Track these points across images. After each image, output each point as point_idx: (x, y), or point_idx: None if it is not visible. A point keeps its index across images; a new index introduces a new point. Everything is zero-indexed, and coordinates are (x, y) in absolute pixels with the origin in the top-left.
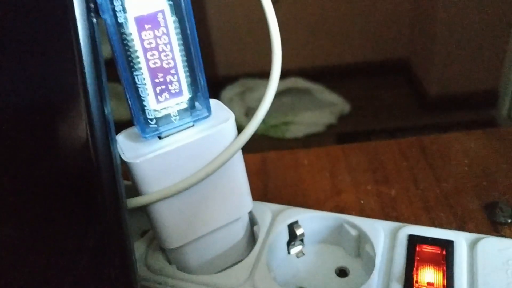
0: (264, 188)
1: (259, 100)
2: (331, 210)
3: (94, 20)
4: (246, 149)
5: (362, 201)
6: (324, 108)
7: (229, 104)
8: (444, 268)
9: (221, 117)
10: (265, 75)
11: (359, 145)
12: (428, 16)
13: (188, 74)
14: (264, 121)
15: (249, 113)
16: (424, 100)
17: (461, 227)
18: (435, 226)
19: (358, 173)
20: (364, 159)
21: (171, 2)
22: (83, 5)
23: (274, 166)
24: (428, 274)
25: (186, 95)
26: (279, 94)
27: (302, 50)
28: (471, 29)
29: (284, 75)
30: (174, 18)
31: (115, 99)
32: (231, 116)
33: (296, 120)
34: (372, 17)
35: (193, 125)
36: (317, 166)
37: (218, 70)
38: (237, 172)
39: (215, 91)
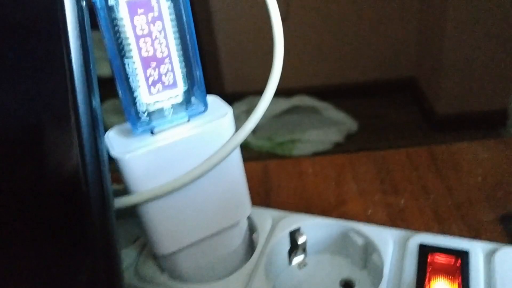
0: (266, 196)
1: (265, 118)
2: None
3: (84, 3)
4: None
5: (369, 212)
6: (331, 127)
7: (236, 121)
8: (460, 279)
9: (218, 112)
10: None
11: (366, 154)
12: (436, 34)
13: (183, 64)
14: (270, 139)
15: (256, 130)
16: (432, 119)
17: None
18: None
19: (365, 182)
20: (371, 168)
21: None
22: None
23: (276, 175)
24: (441, 286)
25: (181, 87)
26: (286, 112)
27: (310, 68)
28: (479, 47)
29: (291, 93)
30: (169, 3)
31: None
32: (229, 111)
33: (303, 138)
34: (379, 36)
35: (188, 120)
36: (322, 175)
37: (226, 87)
38: (235, 172)
39: None
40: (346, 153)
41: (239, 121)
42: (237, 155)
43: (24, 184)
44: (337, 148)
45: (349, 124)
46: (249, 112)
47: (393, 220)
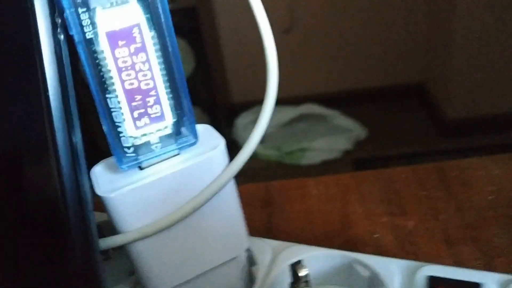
0: (268, 220)
1: (273, 127)
2: (341, 245)
3: (62, 36)
4: (256, 177)
5: (376, 235)
6: (340, 134)
7: (243, 131)
8: None
9: (210, 143)
10: (280, 102)
11: (372, 173)
12: (444, 38)
13: (170, 96)
14: (279, 148)
15: (264, 139)
16: (442, 124)
17: (488, 264)
18: (458, 262)
19: (371, 203)
20: (378, 188)
21: (148, 15)
22: (48, 20)
23: (279, 197)
24: None
25: (169, 119)
26: (293, 121)
27: (317, 76)
28: (488, 50)
29: (298, 101)
30: (152, 33)
31: None
32: (221, 142)
33: (312, 147)
34: (387, 41)
35: (178, 153)
36: (327, 196)
37: (233, 97)
38: (230, 206)
39: (229, 118)
40: (351, 172)
41: (246, 131)
42: (231, 188)
43: (3, 224)
44: (346, 156)
45: (357, 131)
46: (255, 121)
47: (401, 243)
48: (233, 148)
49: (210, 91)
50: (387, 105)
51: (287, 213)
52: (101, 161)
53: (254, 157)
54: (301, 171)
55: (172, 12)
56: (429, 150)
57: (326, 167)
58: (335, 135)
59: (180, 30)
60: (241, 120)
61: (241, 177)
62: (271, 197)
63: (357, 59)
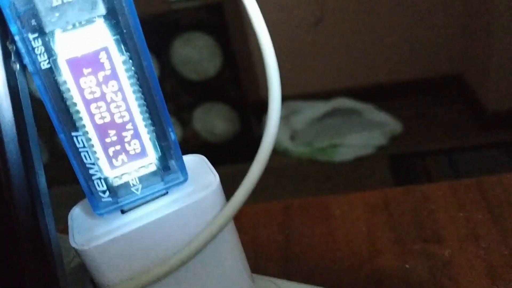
0: (286, 246)
1: (304, 122)
2: (368, 277)
3: (17, 66)
4: (286, 176)
5: (407, 266)
6: (374, 129)
7: None
8: None
9: (202, 181)
10: (310, 97)
11: (402, 190)
12: (483, 26)
13: (151, 128)
14: (310, 145)
15: (295, 136)
16: (482, 117)
17: None
18: None
19: (402, 227)
20: (409, 208)
21: (117, 36)
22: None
23: (299, 218)
24: None
25: (152, 155)
26: (325, 116)
27: (349, 69)
28: None
29: (330, 95)
30: (124, 57)
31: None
32: (215, 180)
33: (345, 143)
34: (422, 31)
35: (166, 193)
36: (351, 218)
37: (261, 93)
38: (228, 251)
39: (258, 115)
40: (379, 190)
41: None
42: (229, 232)
43: None
44: (381, 152)
45: (392, 125)
46: (286, 118)
47: (436, 277)
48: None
49: (238, 88)
50: (424, 97)
51: (307, 238)
52: (81, 202)
53: (284, 154)
54: (333, 168)
55: (198, 8)
56: (469, 144)
57: (359, 164)
58: (369, 130)
59: (206, 27)
60: None
61: (270, 177)
62: (290, 218)
63: (391, 50)
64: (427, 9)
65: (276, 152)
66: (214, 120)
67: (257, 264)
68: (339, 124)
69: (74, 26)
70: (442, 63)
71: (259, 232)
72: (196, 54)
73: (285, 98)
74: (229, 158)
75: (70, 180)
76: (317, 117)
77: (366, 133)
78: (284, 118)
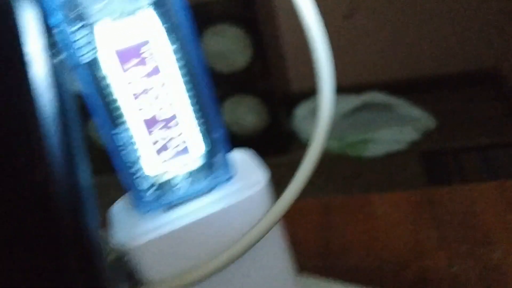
0: (325, 246)
1: (336, 117)
2: (413, 278)
3: (59, 59)
4: (314, 176)
5: (454, 268)
6: (406, 124)
7: (302, 122)
8: None
9: (250, 178)
10: (341, 90)
11: (449, 190)
12: None
13: (199, 123)
14: (340, 139)
15: None
16: None
17: None
18: None
19: (448, 228)
20: (456, 208)
21: (167, 25)
22: (40, 41)
23: (339, 217)
24: None
25: (198, 151)
26: (356, 110)
27: (381, 62)
28: None
29: (361, 89)
30: (173, 47)
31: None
32: (263, 178)
33: (376, 138)
34: (457, 24)
35: (211, 191)
36: (395, 218)
37: (292, 86)
38: (274, 250)
39: (288, 108)
40: (424, 188)
41: (305, 122)
42: (275, 232)
43: None
44: (413, 148)
45: (425, 121)
46: (315, 111)
47: (485, 280)
48: (291, 141)
49: (268, 81)
50: (458, 92)
51: (347, 237)
52: (122, 198)
53: None
54: (364, 164)
55: (229, 1)
56: (504, 141)
57: (391, 160)
58: (401, 126)
59: (236, 19)
60: (301, 111)
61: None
62: (330, 216)
63: (424, 43)
64: (463, 2)
65: (304, 146)
66: (243, 113)
67: (296, 262)
68: (370, 119)
69: (121, 15)
70: (478, 57)
71: (297, 230)
72: (227, 46)
73: (315, 91)
74: (257, 151)
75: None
76: (348, 111)
77: (398, 128)
78: (314, 111)
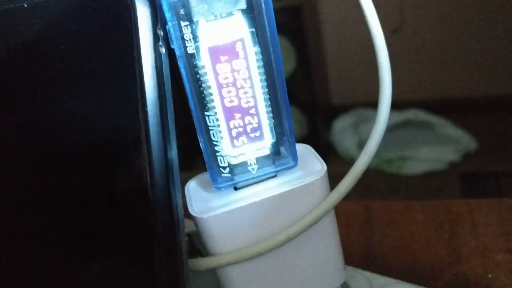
0: (366, 246)
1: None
2: (448, 283)
3: (163, 50)
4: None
5: (490, 275)
6: (446, 144)
7: (341, 135)
8: None
9: (310, 168)
10: None
11: (489, 202)
12: None
13: (271, 115)
14: (378, 155)
15: (363, 145)
16: None
17: None
18: None
19: (486, 237)
20: (494, 219)
21: (253, 29)
22: (150, 33)
23: (381, 220)
24: None
25: (268, 140)
26: (396, 127)
27: (424, 80)
28: None
29: (403, 105)
30: (256, 48)
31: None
32: (323, 168)
33: (414, 156)
34: (504, 46)
35: (275, 176)
36: (434, 224)
37: (332, 98)
38: (327, 237)
39: (328, 120)
40: (464, 199)
41: (344, 135)
42: (330, 218)
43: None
44: (453, 169)
45: (466, 142)
46: (355, 125)
47: None
48: (328, 154)
49: (309, 92)
50: (502, 115)
51: (388, 240)
52: (196, 177)
53: (349, 163)
54: (401, 181)
55: (277, 11)
56: None
57: (428, 179)
58: (441, 145)
59: (283, 28)
60: (340, 123)
61: (334, 184)
62: (372, 219)
63: (470, 63)
64: (508, 20)
65: (342, 159)
66: None
67: None
68: (410, 136)
69: (216, 17)
70: None
71: (340, 230)
72: None
73: (355, 105)
74: None
75: None
76: (388, 127)
77: (438, 147)
78: (353, 125)
